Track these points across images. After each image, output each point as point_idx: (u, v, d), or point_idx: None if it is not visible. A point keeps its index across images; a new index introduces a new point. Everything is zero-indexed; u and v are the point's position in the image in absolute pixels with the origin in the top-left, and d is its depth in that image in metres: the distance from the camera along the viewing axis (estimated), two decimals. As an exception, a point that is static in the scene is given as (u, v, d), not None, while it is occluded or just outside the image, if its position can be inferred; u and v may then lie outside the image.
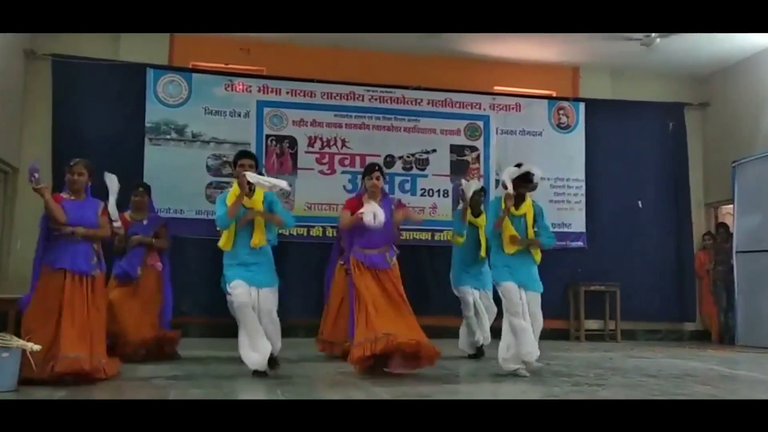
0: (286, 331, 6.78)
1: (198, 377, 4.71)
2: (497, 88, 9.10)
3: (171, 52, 8.32)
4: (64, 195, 4.65)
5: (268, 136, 8.25)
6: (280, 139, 8.27)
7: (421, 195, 8.46)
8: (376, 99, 8.58)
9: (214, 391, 4.18)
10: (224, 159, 8.05)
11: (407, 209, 5.41)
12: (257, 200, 4.89)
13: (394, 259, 5.13)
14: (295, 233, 7.92)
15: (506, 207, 5.10)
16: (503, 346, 5.09)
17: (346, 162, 8.32)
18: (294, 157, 8.27)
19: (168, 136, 7.98)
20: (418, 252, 8.14)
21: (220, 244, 4.87)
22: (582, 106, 9.09)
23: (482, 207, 6.34)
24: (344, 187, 8.16)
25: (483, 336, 6.24)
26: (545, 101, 9.09)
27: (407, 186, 8.46)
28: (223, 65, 8.46)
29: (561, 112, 9.05)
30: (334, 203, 7.87)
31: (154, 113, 7.95)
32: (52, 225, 4.47)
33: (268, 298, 4.84)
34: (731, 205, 9.04)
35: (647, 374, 5.38)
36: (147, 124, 7.91)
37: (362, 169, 5.39)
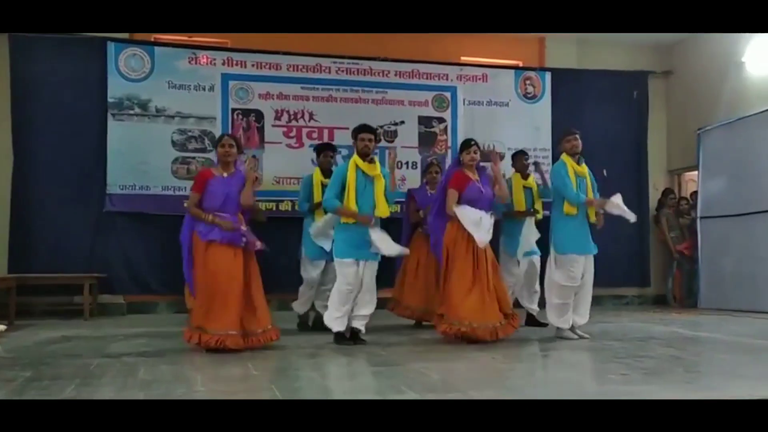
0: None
1: (168, 353, 4.70)
2: (464, 59, 9.07)
3: (132, 25, 8.13)
4: (214, 171, 4.97)
5: (234, 110, 8.14)
6: (246, 112, 8.18)
7: (390, 167, 8.46)
8: (343, 71, 8.51)
9: (187, 367, 4.18)
10: (189, 134, 7.97)
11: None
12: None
13: None
14: (263, 208, 7.85)
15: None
16: None
17: (314, 135, 8.26)
18: (261, 131, 8.20)
19: (131, 111, 7.84)
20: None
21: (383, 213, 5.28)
22: (548, 75, 9.13)
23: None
24: (312, 160, 8.04)
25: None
26: (512, 71, 9.10)
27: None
28: (186, 38, 8.30)
29: (527, 81, 9.09)
30: (302, 177, 7.83)
31: (116, 88, 7.78)
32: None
33: None
34: (694, 172, 9.22)
35: (613, 338, 5.51)
36: (109, 99, 7.75)
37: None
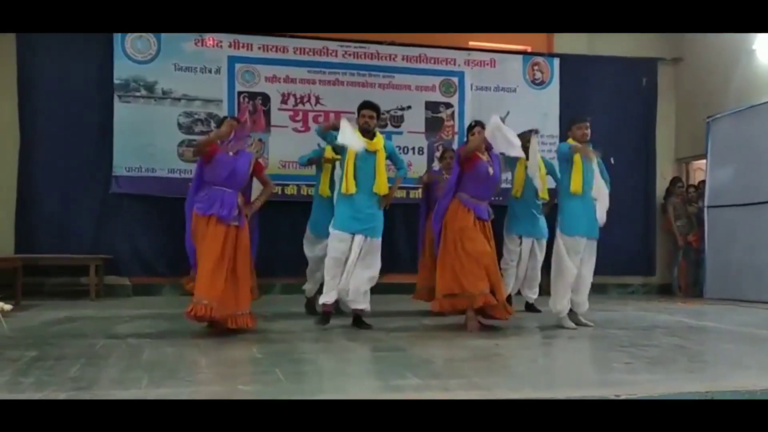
0: (267, 288, 6.90)
1: (173, 335, 4.72)
2: (472, 44, 9.01)
3: (139, 6, 8.09)
4: (220, 148, 4.91)
5: (240, 93, 8.12)
6: (252, 95, 8.16)
7: (397, 152, 8.41)
8: (350, 55, 8.47)
9: (191, 349, 4.19)
10: (196, 116, 7.96)
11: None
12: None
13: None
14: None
15: None
16: None
17: (320, 119, 8.21)
18: (267, 114, 8.18)
19: (138, 93, 7.82)
20: (391, 210, 8.10)
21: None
22: (557, 61, 9.06)
23: None
24: (319, 144, 8.05)
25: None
26: (520, 57, 9.04)
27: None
28: (192, 20, 8.25)
29: (536, 67, 9.02)
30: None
31: (122, 70, 7.77)
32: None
33: None
34: (703, 161, 9.16)
35: (617, 327, 5.50)
36: (115, 81, 7.74)
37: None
